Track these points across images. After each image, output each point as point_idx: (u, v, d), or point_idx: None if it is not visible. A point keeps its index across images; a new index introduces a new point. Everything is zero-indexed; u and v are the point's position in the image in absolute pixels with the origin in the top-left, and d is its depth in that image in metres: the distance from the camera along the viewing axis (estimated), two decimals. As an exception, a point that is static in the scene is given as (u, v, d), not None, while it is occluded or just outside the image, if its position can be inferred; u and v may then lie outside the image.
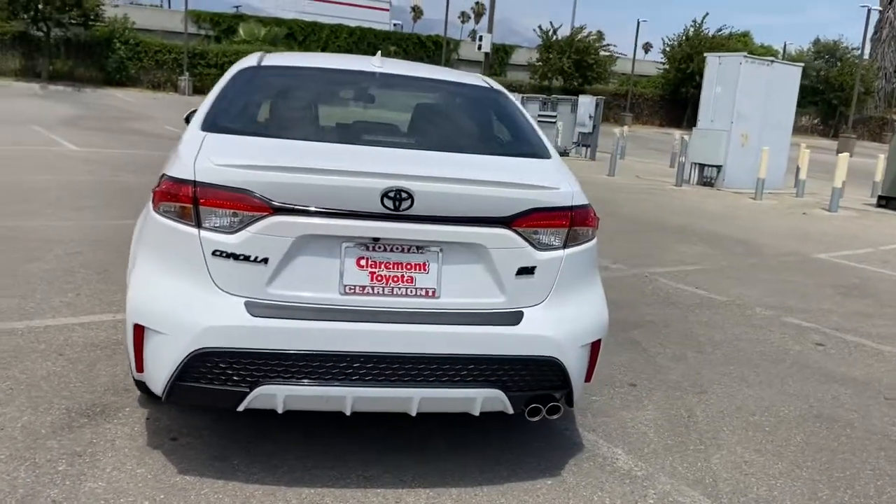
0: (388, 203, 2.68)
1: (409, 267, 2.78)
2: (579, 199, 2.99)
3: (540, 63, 48.41)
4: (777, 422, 4.01)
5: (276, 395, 2.70)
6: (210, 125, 3.08)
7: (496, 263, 2.82)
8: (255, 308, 2.68)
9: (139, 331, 2.78)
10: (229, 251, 2.67)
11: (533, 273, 2.87)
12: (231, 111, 3.25)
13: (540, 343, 2.86)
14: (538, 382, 2.92)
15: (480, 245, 2.80)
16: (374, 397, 2.76)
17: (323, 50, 47.77)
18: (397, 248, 2.78)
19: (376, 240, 2.75)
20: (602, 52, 48.47)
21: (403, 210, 2.70)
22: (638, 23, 52.12)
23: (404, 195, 2.68)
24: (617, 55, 51.06)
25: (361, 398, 2.75)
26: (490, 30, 25.25)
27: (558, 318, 2.92)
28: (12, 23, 36.47)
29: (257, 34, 41.45)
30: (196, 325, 2.65)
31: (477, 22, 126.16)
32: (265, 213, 2.65)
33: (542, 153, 3.33)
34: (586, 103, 21.19)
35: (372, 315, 2.73)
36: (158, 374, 2.75)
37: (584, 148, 21.92)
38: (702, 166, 16.61)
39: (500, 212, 2.80)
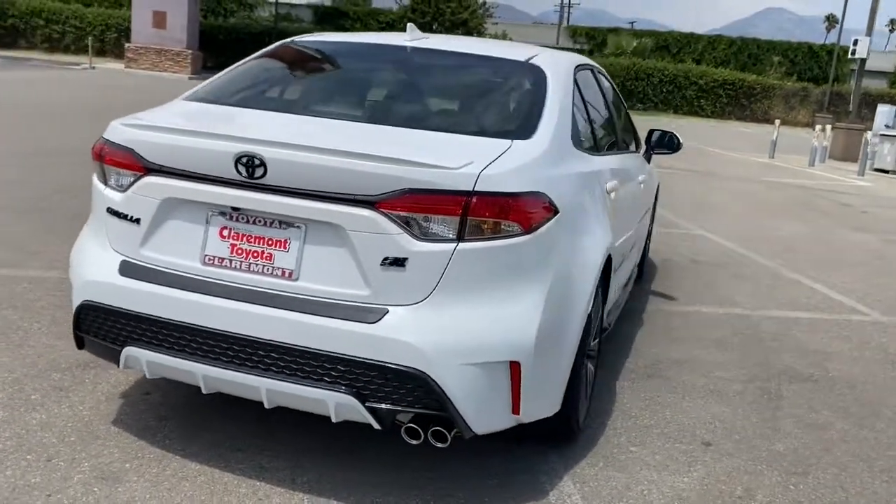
0: (242, 170, 2.46)
1: (269, 243, 2.53)
2: (494, 185, 2.41)
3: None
4: (876, 536, 2.79)
5: (140, 359, 2.67)
6: (191, 94, 3.16)
7: (357, 249, 2.41)
8: (126, 267, 2.68)
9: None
10: (115, 209, 2.71)
11: (403, 265, 2.39)
12: (221, 82, 3.29)
13: (399, 350, 2.38)
14: (404, 398, 2.43)
15: (339, 226, 2.42)
16: (223, 379, 2.57)
17: (697, 62, 45.79)
18: (259, 221, 2.54)
19: (237, 210, 2.54)
20: None
21: (257, 178, 2.46)
22: None
23: (256, 162, 2.44)
24: None
25: (210, 377, 2.58)
26: (868, 32, 21.70)
27: (434, 324, 2.40)
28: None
29: (625, 47, 41.39)
30: (80, 278, 2.75)
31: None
32: (141, 173, 2.63)
33: (518, 134, 2.77)
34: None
35: (226, 290, 2.54)
36: None
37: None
38: None
39: (365, 190, 2.39)
